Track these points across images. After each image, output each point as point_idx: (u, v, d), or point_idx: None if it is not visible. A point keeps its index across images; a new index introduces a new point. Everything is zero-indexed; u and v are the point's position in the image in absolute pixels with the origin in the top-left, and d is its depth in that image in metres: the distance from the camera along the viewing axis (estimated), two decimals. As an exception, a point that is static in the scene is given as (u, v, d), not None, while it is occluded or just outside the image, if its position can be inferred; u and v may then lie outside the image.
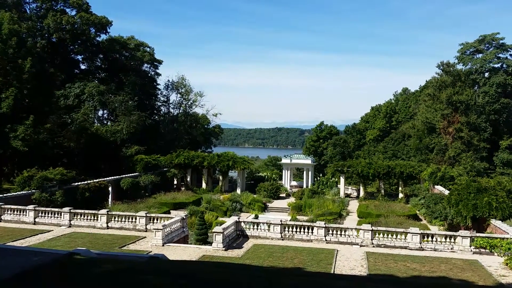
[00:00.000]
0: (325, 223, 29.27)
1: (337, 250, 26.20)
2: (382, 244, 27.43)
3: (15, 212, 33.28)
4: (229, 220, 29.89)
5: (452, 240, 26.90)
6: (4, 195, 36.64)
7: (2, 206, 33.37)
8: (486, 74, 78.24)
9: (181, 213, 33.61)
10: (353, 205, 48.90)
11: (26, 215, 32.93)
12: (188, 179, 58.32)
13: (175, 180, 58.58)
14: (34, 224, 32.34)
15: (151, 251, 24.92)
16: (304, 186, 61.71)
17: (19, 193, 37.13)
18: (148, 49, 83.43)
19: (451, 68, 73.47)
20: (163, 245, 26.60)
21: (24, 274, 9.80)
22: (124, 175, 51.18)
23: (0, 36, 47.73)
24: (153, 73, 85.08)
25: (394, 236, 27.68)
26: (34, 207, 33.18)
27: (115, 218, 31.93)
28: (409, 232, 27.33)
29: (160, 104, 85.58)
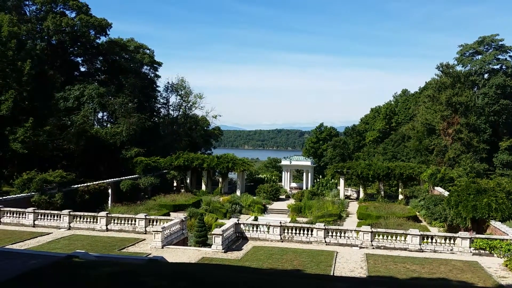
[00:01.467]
0: (324, 225, 29.25)
1: (337, 252, 26.18)
2: (381, 246, 27.41)
3: (15, 215, 33.24)
4: (229, 222, 29.86)
5: (452, 241, 26.89)
6: (4, 197, 36.60)
7: (2, 209, 33.32)
8: (486, 76, 78.37)
9: (180, 215, 33.59)
10: (353, 207, 48.87)
11: (25, 217, 32.87)
12: (188, 181, 58.29)
13: (174, 182, 58.56)
14: (34, 226, 32.29)
15: (150, 254, 24.90)
16: (304, 187, 61.71)
17: (18, 195, 37.09)
18: (148, 51, 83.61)
19: (451, 70, 73.53)
20: (162, 247, 26.58)
21: (23, 276, 9.80)
22: (123, 177, 51.18)
23: (-1, 38, 47.77)
24: (152, 75, 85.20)
25: (394, 238, 27.66)
26: (34, 209, 33.13)
27: (114, 220, 31.91)
28: (408, 234, 27.32)
29: (160, 106, 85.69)
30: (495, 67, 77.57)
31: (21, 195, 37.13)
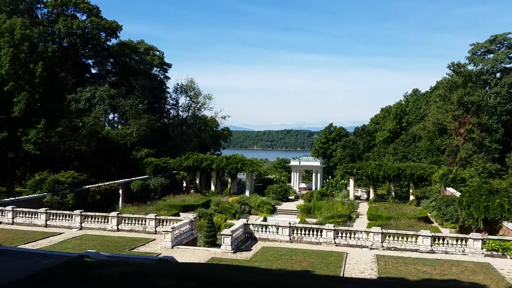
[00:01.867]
0: (334, 226, 29.14)
1: (347, 253, 26.06)
2: (392, 247, 27.21)
3: (27, 215, 33.66)
4: (238, 223, 29.90)
5: (464, 242, 26.60)
6: (16, 198, 37.10)
7: (14, 209, 33.77)
8: (498, 75, 77.44)
9: (190, 216, 33.71)
10: (363, 208, 48.60)
11: (37, 218, 33.28)
12: (197, 181, 58.49)
13: (184, 182, 58.82)
14: (46, 226, 32.67)
15: (160, 253, 25.05)
16: (313, 188, 61.51)
17: (31, 196, 37.55)
18: (157, 53, 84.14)
19: (462, 69, 72.69)
20: (172, 247, 26.72)
21: (35, 276, 9.93)
22: (134, 178, 51.57)
23: (12, 41, 48.43)
24: (162, 76, 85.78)
25: (405, 239, 27.45)
26: (46, 210, 33.51)
27: (125, 220, 32.16)
28: (419, 235, 27.09)
29: (169, 107, 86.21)
30: (508, 65, 76.61)
31: (33, 195, 37.58)
